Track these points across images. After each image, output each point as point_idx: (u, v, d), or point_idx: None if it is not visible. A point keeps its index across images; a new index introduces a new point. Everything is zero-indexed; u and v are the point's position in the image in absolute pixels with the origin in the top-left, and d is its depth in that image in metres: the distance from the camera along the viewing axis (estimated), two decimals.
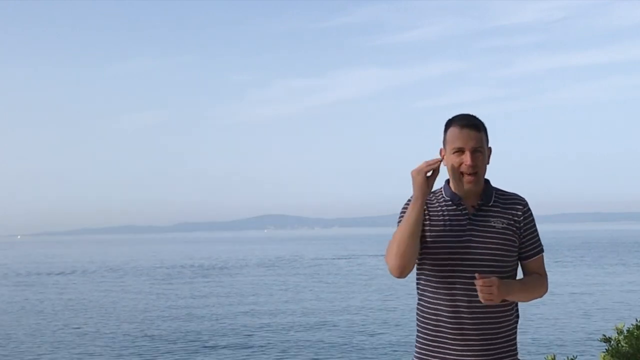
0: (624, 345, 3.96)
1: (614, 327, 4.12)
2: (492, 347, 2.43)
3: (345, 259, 55.93)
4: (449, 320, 2.42)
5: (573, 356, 4.16)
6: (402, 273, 2.40)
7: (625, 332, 4.04)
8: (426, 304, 2.49)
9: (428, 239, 2.46)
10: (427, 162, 2.41)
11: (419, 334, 2.53)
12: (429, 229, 2.47)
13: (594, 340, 12.79)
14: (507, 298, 2.39)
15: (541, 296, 2.53)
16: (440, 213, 2.48)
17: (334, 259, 56.23)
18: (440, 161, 2.43)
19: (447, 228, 2.44)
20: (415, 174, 2.40)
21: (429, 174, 2.41)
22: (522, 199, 2.53)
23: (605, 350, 4.00)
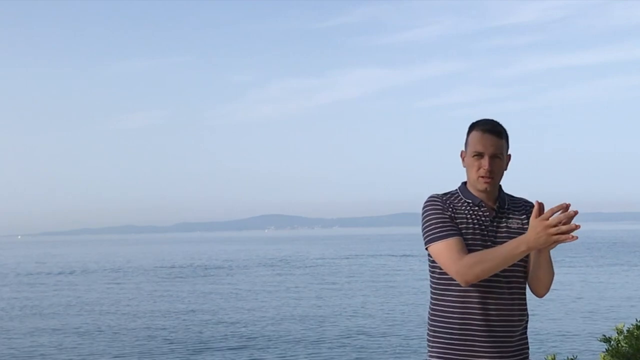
0: (624, 345, 3.96)
1: (614, 327, 4.12)
2: (513, 342, 2.51)
3: (347, 258, 55.93)
4: (477, 316, 2.47)
5: (573, 356, 4.17)
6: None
7: (625, 332, 4.04)
8: (450, 303, 2.52)
9: None
10: (562, 232, 2.27)
11: (438, 332, 2.54)
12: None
13: (594, 340, 12.79)
14: (543, 253, 2.47)
15: (547, 284, 2.56)
16: (465, 213, 2.54)
17: (335, 259, 56.23)
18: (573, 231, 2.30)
19: (472, 227, 2.51)
20: (549, 236, 2.28)
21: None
22: (531, 203, 2.63)
23: (605, 350, 4.01)
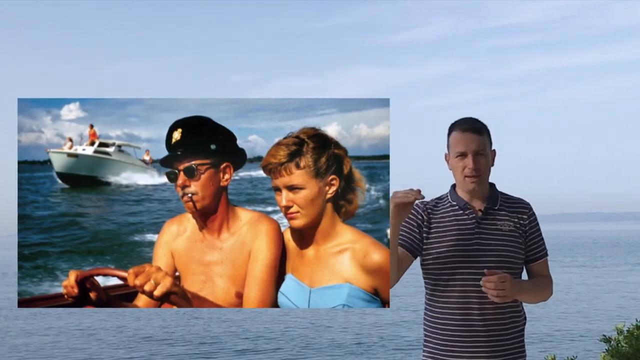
0: (624, 345, 3.96)
1: (614, 327, 4.12)
2: (501, 347, 2.45)
3: None
4: (459, 321, 2.43)
5: (573, 356, 4.16)
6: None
7: (625, 332, 4.04)
8: (435, 307, 2.50)
9: (435, 244, 2.47)
10: (408, 192, 2.28)
11: (428, 336, 2.53)
12: (435, 235, 2.48)
13: (594, 340, 12.79)
14: (517, 297, 2.41)
15: (546, 299, 2.56)
16: (447, 218, 2.50)
17: None
18: (418, 195, 2.27)
19: (455, 231, 2.46)
20: (392, 203, 2.30)
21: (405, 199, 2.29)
22: (528, 204, 2.57)
23: (605, 350, 4.00)
